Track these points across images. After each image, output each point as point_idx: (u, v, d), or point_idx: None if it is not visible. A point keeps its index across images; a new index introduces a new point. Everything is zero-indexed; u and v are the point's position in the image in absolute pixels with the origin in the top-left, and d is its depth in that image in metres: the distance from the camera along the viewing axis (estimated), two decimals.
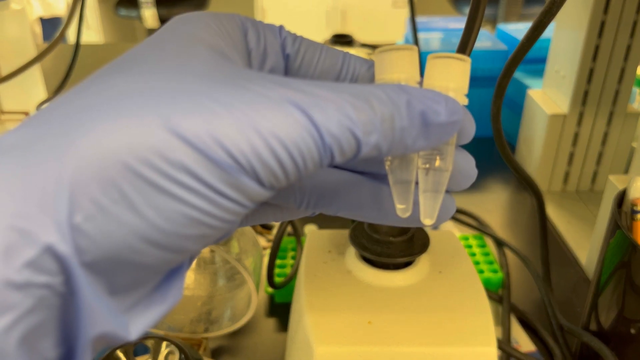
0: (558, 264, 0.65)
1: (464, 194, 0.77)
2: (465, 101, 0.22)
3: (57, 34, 0.77)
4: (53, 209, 0.16)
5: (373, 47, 0.99)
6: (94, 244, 0.16)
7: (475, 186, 0.81)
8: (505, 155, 0.50)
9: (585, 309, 0.49)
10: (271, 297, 0.60)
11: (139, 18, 2.19)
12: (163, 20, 2.12)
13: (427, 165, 0.22)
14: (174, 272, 0.20)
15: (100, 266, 0.16)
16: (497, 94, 0.45)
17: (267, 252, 0.60)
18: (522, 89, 0.86)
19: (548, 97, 0.78)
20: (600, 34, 0.68)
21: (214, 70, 0.19)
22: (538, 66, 0.87)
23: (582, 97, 0.72)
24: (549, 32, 0.68)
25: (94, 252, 0.16)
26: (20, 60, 0.75)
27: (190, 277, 0.57)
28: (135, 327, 0.18)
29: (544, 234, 0.56)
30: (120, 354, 0.40)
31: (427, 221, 0.22)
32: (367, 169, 0.24)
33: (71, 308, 0.17)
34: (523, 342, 0.54)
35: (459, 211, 0.73)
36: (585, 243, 0.68)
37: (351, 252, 0.45)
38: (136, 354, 0.40)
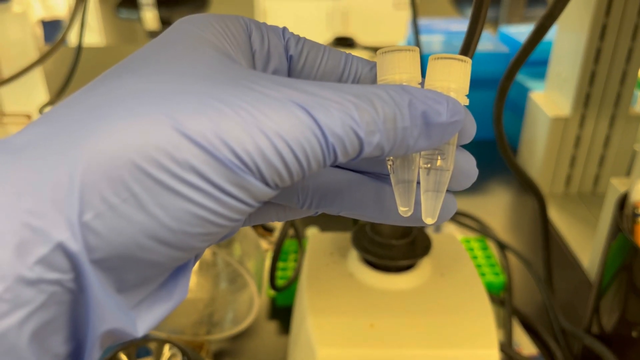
0: (560, 267, 0.65)
1: (466, 196, 0.77)
2: (466, 101, 0.22)
3: (59, 36, 0.77)
4: (64, 207, 0.16)
5: (375, 49, 0.99)
6: (103, 242, 0.16)
7: (477, 189, 0.81)
8: (507, 158, 0.50)
9: (587, 312, 0.49)
10: (273, 300, 0.60)
11: (140, 20, 2.20)
12: (164, 22, 2.13)
13: (429, 165, 0.22)
14: (180, 270, 0.20)
15: (109, 263, 0.17)
16: (499, 97, 0.45)
17: (269, 254, 0.60)
18: (524, 92, 0.86)
19: (550, 99, 0.78)
20: (602, 36, 0.68)
21: (219, 71, 0.19)
22: (540, 69, 0.87)
23: (584, 100, 0.72)
24: (551, 34, 0.68)
25: (104, 250, 0.16)
26: (22, 63, 0.76)
27: (192, 279, 0.57)
28: (143, 323, 0.19)
29: (546, 237, 0.56)
30: (123, 356, 0.40)
31: (428, 220, 0.22)
32: (370, 168, 0.24)
33: (81, 304, 0.17)
34: (525, 345, 0.54)
35: (461, 214, 0.73)
36: (587, 246, 0.67)
37: (353, 254, 0.45)
38: (139, 357, 0.40)
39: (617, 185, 0.57)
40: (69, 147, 0.16)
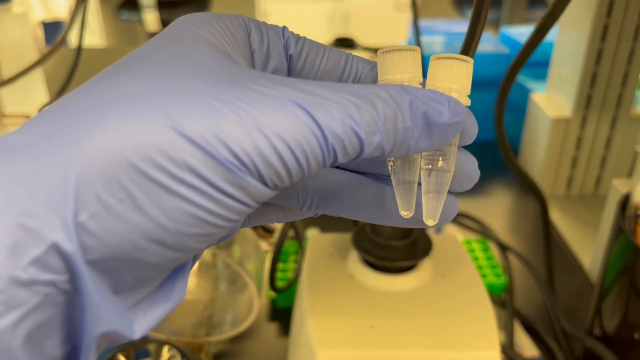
0: (561, 269, 0.64)
1: (467, 198, 0.77)
2: (467, 102, 0.22)
3: (59, 37, 0.77)
4: (59, 207, 0.16)
5: (375, 50, 0.99)
6: (99, 243, 0.16)
7: (479, 190, 0.81)
8: (508, 159, 0.49)
9: (589, 314, 0.49)
10: (273, 302, 0.59)
11: (141, 21, 2.20)
12: (165, 23, 2.13)
13: (430, 166, 0.22)
14: (178, 271, 0.20)
15: (105, 264, 0.17)
16: (500, 98, 0.45)
17: (269, 255, 0.60)
18: (525, 93, 0.86)
19: (551, 100, 0.78)
20: (603, 37, 0.68)
21: (218, 71, 0.19)
22: (541, 70, 0.87)
23: (585, 101, 0.72)
24: (552, 35, 0.68)
25: (99, 251, 0.16)
26: (22, 64, 0.76)
27: (192, 281, 0.57)
28: (140, 325, 0.18)
29: (548, 238, 0.56)
30: (121, 357, 0.39)
31: (429, 222, 0.22)
32: (370, 169, 0.24)
33: (76, 306, 0.17)
34: (526, 346, 0.54)
35: (462, 215, 0.73)
36: (588, 247, 0.67)
37: (353, 256, 0.45)
38: (137, 358, 0.40)
39: (618, 187, 0.57)
40: (64, 147, 0.16)
